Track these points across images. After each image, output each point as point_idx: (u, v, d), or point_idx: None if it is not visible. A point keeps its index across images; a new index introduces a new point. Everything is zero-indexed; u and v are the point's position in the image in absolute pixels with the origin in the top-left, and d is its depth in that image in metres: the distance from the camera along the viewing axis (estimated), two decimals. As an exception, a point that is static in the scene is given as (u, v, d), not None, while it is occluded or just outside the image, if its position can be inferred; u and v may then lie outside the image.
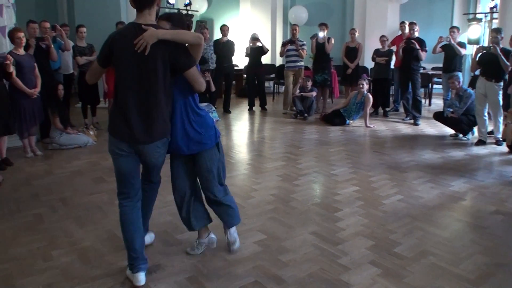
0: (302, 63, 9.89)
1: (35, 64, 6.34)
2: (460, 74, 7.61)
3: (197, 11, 12.91)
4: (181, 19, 3.26)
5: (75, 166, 5.91)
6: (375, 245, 3.53)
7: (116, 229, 3.83)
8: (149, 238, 3.62)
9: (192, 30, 10.94)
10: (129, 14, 10.44)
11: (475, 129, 7.21)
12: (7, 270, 3.21)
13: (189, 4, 11.59)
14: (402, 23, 9.85)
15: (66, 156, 6.44)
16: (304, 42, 9.76)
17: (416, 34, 8.70)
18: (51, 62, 7.27)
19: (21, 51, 6.17)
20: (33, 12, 11.60)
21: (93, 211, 4.32)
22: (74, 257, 3.38)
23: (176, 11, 11.43)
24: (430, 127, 8.26)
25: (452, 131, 7.54)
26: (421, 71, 9.34)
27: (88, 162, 6.10)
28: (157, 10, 3.06)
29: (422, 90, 9.86)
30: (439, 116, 7.69)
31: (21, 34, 6.10)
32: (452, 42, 8.34)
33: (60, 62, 8.03)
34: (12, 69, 5.85)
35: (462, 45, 8.56)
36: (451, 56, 8.54)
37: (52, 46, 7.12)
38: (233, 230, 3.46)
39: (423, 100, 9.46)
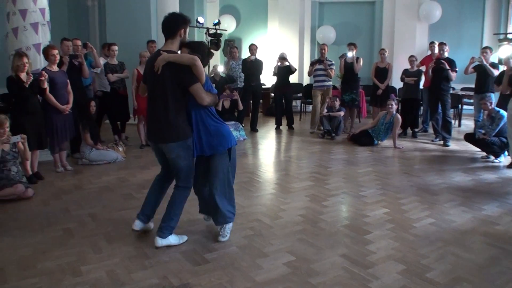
0: (330, 83, 9.88)
1: (68, 81, 6.48)
2: (492, 95, 7.50)
3: (225, 30, 13.04)
4: (199, 46, 3.94)
5: (104, 182, 5.97)
6: (407, 269, 3.46)
7: (145, 246, 3.87)
8: (177, 239, 3.93)
9: (220, 49, 11.01)
10: (159, 33, 10.59)
11: (507, 151, 7.05)
12: (37, 285, 3.24)
13: (218, 23, 11.71)
14: (432, 43, 9.77)
15: (96, 171, 6.52)
16: (333, 62, 9.76)
17: (446, 54, 8.61)
18: (83, 79, 7.43)
19: (55, 68, 6.32)
20: (66, 30, 11.91)
21: (121, 227, 4.34)
22: (103, 274, 3.40)
23: (205, 30, 11.59)
24: (461, 149, 8.12)
25: (483, 153, 7.39)
26: (451, 91, 9.22)
27: (117, 178, 6.17)
28: (183, 39, 3.79)
29: (452, 111, 9.72)
30: (470, 138, 7.56)
31: (55, 51, 6.26)
32: (485, 62, 8.22)
33: (91, 79, 8.21)
34: (46, 85, 6.00)
35: (494, 65, 8.41)
36: (483, 77, 8.41)
37: (85, 63, 7.28)
38: (224, 228, 4.04)
39: (453, 121, 9.32)
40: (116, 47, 8.27)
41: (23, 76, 5.77)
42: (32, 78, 5.76)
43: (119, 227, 4.34)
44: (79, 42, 7.51)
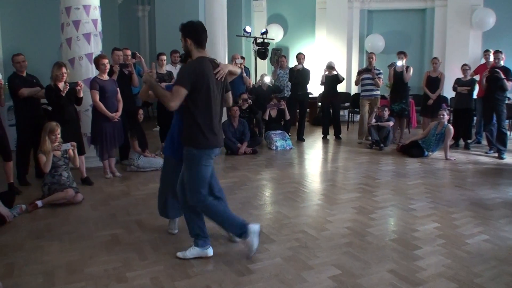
0: (378, 92, 9.70)
1: (118, 89, 6.62)
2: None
3: (273, 39, 13.06)
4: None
5: (151, 189, 6.04)
6: (459, 288, 3.31)
7: (190, 255, 3.86)
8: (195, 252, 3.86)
9: (268, 58, 11.02)
10: (207, 43, 10.72)
11: None
12: (84, 289, 3.29)
13: (266, 32, 11.75)
14: (486, 51, 9.43)
15: (143, 178, 6.62)
16: (381, 71, 9.58)
17: (502, 63, 8.29)
18: (132, 87, 7.58)
19: (105, 77, 6.48)
20: (117, 40, 12.25)
21: (166, 235, 4.38)
22: (147, 281, 3.42)
23: (252, 39, 11.64)
24: (517, 162, 7.78)
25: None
26: (507, 101, 8.85)
27: (164, 186, 6.22)
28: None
29: (507, 122, 9.33)
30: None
31: (106, 61, 6.42)
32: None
33: (141, 87, 8.36)
34: (82, 94, 6.21)
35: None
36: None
37: (135, 72, 7.43)
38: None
39: (508, 132, 8.93)
40: (164, 57, 8.42)
41: (61, 85, 5.97)
42: (68, 87, 5.95)
43: (164, 235, 4.37)
44: (128, 52, 7.68)
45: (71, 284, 3.37)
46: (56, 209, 5.16)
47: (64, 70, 6.00)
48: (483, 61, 9.63)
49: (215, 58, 3.89)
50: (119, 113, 6.57)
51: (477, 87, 9.06)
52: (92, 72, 6.95)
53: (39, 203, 5.17)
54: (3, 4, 9.46)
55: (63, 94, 5.96)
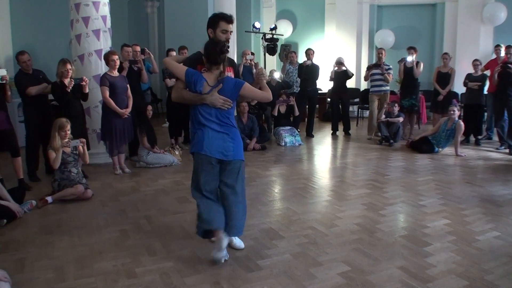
0: (388, 88, 9.64)
1: (128, 85, 6.64)
2: None
3: (282, 35, 13.01)
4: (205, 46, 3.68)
5: (160, 185, 6.06)
6: (469, 285, 3.27)
7: (199, 251, 3.87)
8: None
9: (277, 54, 11.02)
10: (216, 38, 10.71)
11: None
12: (93, 285, 3.31)
13: (275, 28, 11.70)
14: (497, 46, 9.35)
15: (152, 174, 6.64)
16: (390, 66, 9.53)
17: (513, 59, 8.21)
18: (141, 83, 7.60)
19: (115, 73, 6.49)
20: (126, 36, 12.27)
21: (176, 230, 4.38)
22: (156, 277, 3.42)
23: (261, 35, 11.61)
24: (528, 158, 7.71)
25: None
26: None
27: (173, 181, 6.24)
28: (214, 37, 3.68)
29: (519, 118, 9.24)
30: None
31: (115, 57, 6.43)
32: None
33: (150, 83, 8.38)
34: (87, 89, 6.27)
35: None
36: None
37: (144, 69, 7.44)
38: None
39: (520, 128, 8.84)
40: (174, 53, 8.42)
41: (66, 81, 6.02)
42: (73, 83, 6.03)
43: (173, 230, 4.38)
44: (138, 48, 7.69)
45: (81, 279, 3.39)
46: (66, 205, 5.18)
47: (69, 66, 6.06)
48: (494, 56, 9.52)
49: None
50: (129, 109, 6.59)
51: (487, 83, 8.98)
52: (102, 68, 6.97)
53: (49, 199, 5.20)
54: (13, 1, 9.50)
55: (69, 90, 6.03)
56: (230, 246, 3.85)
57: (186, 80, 3.55)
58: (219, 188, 3.69)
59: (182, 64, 3.70)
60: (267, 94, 3.73)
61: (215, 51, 3.51)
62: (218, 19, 3.67)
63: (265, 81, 3.88)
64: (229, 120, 3.63)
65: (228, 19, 3.68)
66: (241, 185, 3.72)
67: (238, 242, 3.93)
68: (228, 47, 3.61)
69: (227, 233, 3.60)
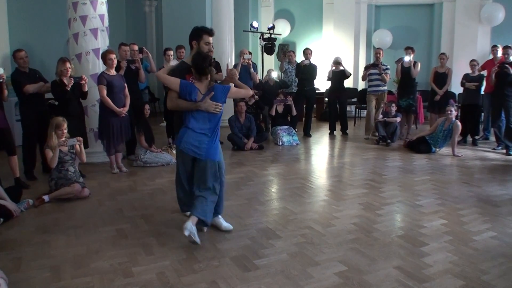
0: (385, 88, 9.65)
1: (125, 84, 6.63)
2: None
3: (280, 34, 13.03)
4: (193, 59, 4.19)
5: (157, 184, 6.06)
6: (466, 285, 3.27)
7: (195, 250, 3.87)
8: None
9: (274, 54, 11.04)
10: (214, 38, 10.71)
11: None
12: (90, 284, 3.30)
13: (272, 27, 11.71)
14: (494, 46, 9.34)
15: (150, 173, 6.63)
16: (388, 66, 9.54)
17: (511, 59, 8.21)
18: (139, 83, 7.59)
19: (113, 72, 6.48)
20: (124, 35, 12.26)
21: (173, 229, 4.36)
22: (153, 276, 3.42)
23: (259, 34, 11.61)
24: (525, 158, 7.73)
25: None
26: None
27: (170, 180, 6.21)
28: (198, 49, 4.27)
29: (516, 118, 9.26)
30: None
31: (113, 56, 6.42)
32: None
33: (148, 83, 8.37)
34: (86, 88, 6.28)
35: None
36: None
37: (142, 68, 7.43)
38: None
39: (516, 129, 8.86)
40: (171, 52, 8.41)
41: (66, 80, 6.03)
42: (73, 81, 6.05)
43: (170, 230, 4.37)
44: (136, 47, 7.68)
45: (78, 278, 3.38)
46: (63, 204, 5.17)
47: (68, 65, 6.08)
48: (491, 56, 9.53)
49: (222, 53, 4.05)
50: (127, 108, 6.57)
51: (484, 83, 8.99)
52: (99, 67, 6.95)
53: (46, 198, 5.18)
54: (11, 0, 9.48)
55: (68, 89, 6.04)
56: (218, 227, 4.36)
57: (180, 91, 4.02)
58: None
59: (171, 74, 4.20)
60: (248, 90, 4.44)
61: (204, 65, 4.04)
62: (202, 33, 4.26)
63: (237, 79, 4.55)
64: (218, 122, 4.15)
65: (210, 32, 4.32)
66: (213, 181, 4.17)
67: (224, 224, 4.38)
68: (214, 59, 4.25)
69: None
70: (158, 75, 4.37)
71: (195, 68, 4.07)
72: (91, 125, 7.06)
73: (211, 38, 4.32)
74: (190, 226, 3.85)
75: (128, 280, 3.35)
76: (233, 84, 4.49)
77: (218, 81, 4.68)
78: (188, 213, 4.20)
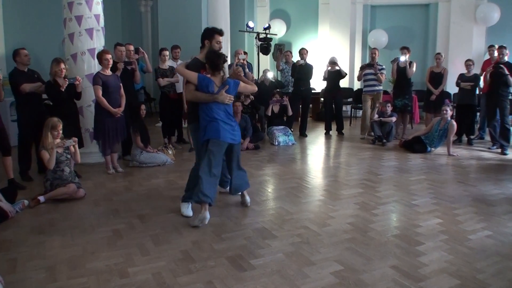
0: (381, 87, 9.67)
1: (121, 84, 6.62)
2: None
3: (275, 34, 13.02)
4: (207, 55, 4.66)
5: (153, 184, 6.05)
6: (461, 284, 3.28)
7: (191, 250, 3.87)
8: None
9: (271, 53, 11.05)
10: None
11: None
12: (86, 284, 3.29)
13: (268, 27, 11.71)
14: (491, 46, 9.38)
15: (146, 174, 6.62)
16: (384, 66, 9.56)
17: (506, 59, 8.25)
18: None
19: (108, 72, 6.46)
20: (120, 35, 12.23)
21: (169, 230, 4.37)
22: (149, 276, 3.41)
23: (255, 34, 11.61)
24: (520, 158, 7.76)
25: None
26: (510, 97, 8.80)
27: (166, 180, 6.23)
28: (211, 47, 4.69)
29: (511, 118, 9.28)
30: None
31: (109, 56, 6.41)
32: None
33: (143, 83, 8.36)
34: (80, 89, 6.29)
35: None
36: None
37: (137, 69, 7.43)
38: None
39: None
40: (167, 52, 8.40)
41: (60, 81, 6.04)
42: (68, 82, 6.09)
43: (166, 230, 4.37)
44: (131, 47, 7.66)
45: (73, 279, 3.37)
46: (58, 204, 5.16)
47: (62, 65, 6.10)
48: (487, 57, 9.56)
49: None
50: (122, 108, 6.56)
51: (482, 83, 9.00)
52: (95, 67, 6.94)
53: (41, 198, 5.17)
54: (6, 0, 9.45)
55: (63, 89, 6.04)
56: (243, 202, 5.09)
57: (198, 84, 4.49)
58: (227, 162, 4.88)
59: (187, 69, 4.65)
60: (254, 86, 5.01)
61: (219, 62, 4.52)
62: (214, 33, 4.70)
63: (242, 76, 4.96)
64: (232, 111, 4.73)
65: (221, 32, 4.76)
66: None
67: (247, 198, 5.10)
68: (226, 57, 4.77)
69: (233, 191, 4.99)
70: (177, 69, 5.02)
71: (210, 64, 4.52)
72: (87, 125, 7.05)
73: (221, 38, 4.75)
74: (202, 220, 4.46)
75: (124, 280, 3.35)
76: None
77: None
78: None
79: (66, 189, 5.24)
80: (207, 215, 4.45)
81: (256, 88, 5.11)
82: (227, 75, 4.92)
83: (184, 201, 4.85)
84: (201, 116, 4.60)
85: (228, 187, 5.17)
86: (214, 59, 4.52)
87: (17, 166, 6.23)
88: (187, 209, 4.80)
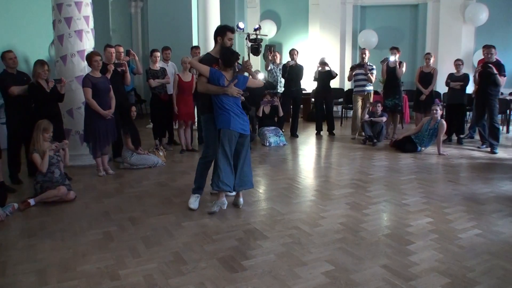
0: (371, 88, 9.70)
1: (110, 86, 6.60)
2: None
3: (266, 35, 13.02)
4: (221, 52, 4.95)
5: (144, 186, 6.03)
6: (451, 283, 3.31)
7: (182, 251, 3.87)
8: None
9: (261, 54, 11.03)
10: (201, 39, 10.71)
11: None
12: (77, 287, 3.28)
13: (259, 28, 11.68)
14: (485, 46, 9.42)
15: (137, 175, 6.60)
16: (374, 66, 9.58)
17: (494, 58, 8.30)
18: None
19: (98, 74, 6.44)
20: (109, 36, 12.17)
21: (160, 232, 4.36)
22: (140, 278, 3.40)
23: (245, 35, 11.60)
24: (509, 156, 7.82)
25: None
26: (499, 96, 8.86)
27: (157, 182, 6.22)
28: (223, 44, 4.94)
29: (500, 117, 9.37)
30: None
31: (98, 58, 6.39)
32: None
33: (133, 84, 8.33)
34: (64, 90, 6.30)
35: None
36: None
37: (128, 71, 7.40)
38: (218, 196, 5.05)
39: (501, 127, 8.96)
40: (158, 53, 8.38)
41: (43, 82, 6.05)
42: (53, 83, 6.11)
43: (157, 232, 4.36)
44: (121, 49, 7.64)
45: (64, 282, 3.36)
46: (48, 207, 5.13)
47: (46, 67, 6.10)
48: (481, 56, 9.59)
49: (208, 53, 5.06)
50: (112, 110, 6.54)
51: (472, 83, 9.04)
52: (85, 69, 6.91)
53: (31, 201, 5.13)
54: (-6, 1, 9.38)
55: (48, 90, 6.06)
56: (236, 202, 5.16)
57: (210, 77, 4.75)
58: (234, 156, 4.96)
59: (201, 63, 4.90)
60: (260, 81, 5.47)
61: (232, 59, 4.83)
62: (226, 30, 4.92)
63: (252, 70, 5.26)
64: (240, 104, 5.00)
65: (233, 30, 4.99)
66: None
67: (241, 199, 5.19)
68: (239, 54, 4.99)
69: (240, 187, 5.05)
70: (191, 62, 5.42)
71: (223, 61, 4.80)
72: (77, 127, 7.02)
73: (233, 35, 4.97)
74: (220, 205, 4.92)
75: (115, 283, 3.34)
76: (248, 74, 5.21)
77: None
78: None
79: (57, 191, 5.21)
80: (225, 201, 4.95)
81: (262, 83, 5.59)
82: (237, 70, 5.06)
83: (194, 193, 5.13)
84: (214, 107, 4.89)
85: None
86: (229, 56, 4.82)
87: (7, 169, 6.18)
88: (194, 202, 5.05)
